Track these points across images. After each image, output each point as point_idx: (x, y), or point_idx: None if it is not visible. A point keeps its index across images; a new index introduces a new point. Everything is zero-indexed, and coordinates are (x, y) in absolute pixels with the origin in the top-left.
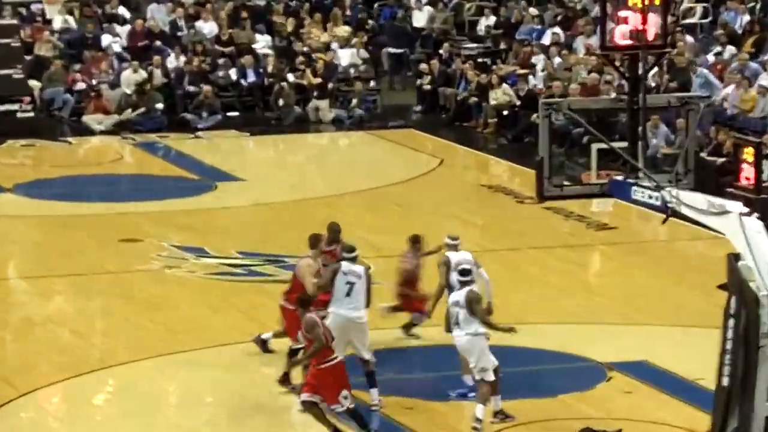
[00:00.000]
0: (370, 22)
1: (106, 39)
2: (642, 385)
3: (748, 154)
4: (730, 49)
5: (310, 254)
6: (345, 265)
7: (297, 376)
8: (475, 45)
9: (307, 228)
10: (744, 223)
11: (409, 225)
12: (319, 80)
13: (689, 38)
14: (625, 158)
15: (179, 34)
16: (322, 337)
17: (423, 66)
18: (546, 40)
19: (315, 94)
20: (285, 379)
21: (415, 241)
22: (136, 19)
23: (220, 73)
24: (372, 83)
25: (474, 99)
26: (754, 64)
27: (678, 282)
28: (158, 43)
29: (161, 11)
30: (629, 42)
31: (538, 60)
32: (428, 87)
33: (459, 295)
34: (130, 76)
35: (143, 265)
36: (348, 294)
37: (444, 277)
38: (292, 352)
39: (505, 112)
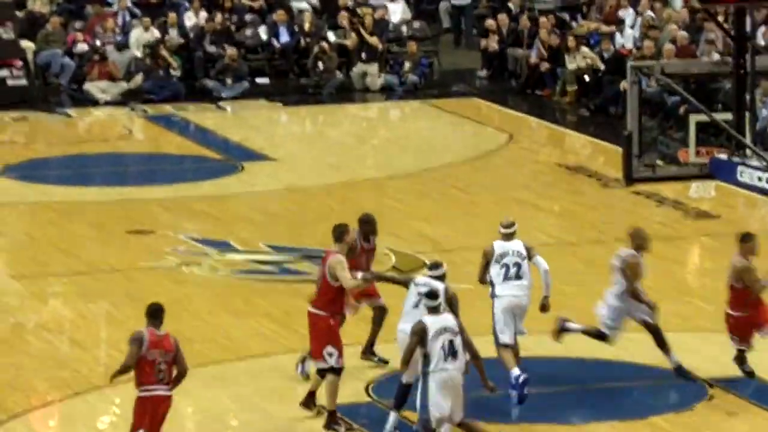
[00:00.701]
0: None
1: None
2: (750, 406)
3: None
4: None
5: (337, 249)
6: (421, 283)
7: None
8: None
9: (352, 217)
10: None
11: (472, 213)
12: (369, 40)
13: None
14: (730, 132)
15: None
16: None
17: (489, 23)
18: None
19: (361, 56)
20: (309, 401)
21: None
22: None
23: (248, 32)
24: (428, 44)
25: (548, 63)
26: None
27: None
28: None
29: None
30: None
31: (627, 15)
32: (495, 48)
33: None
34: (141, 36)
35: (155, 262)
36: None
37: (481, 270)
38: (321, 372)
39: (587, 78)
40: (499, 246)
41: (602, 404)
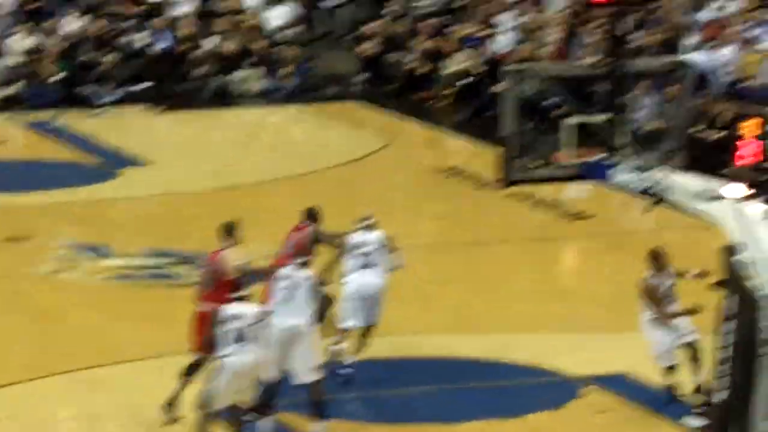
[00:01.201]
0: None
1: None
2: (619, 404)
3: (750, 127)
4: (734, 5)
5: (225, 245)
6: (285, 270)
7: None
8: (429, 1)
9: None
10: (743, 209)
11: (351, 215)
12: (249, 45)
13: None
14: (605, 134)
15: None
16: None
17: (367, 27)
18: None
19: (240, 61)
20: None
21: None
22: None
23: (127, 38)
24: (307, 48)
25: (426, 66)
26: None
27: None
28: (53, 2)
29: None
30: None
31: (504, 19)
32: (373, 52)
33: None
34: (21, 42)
35: (32, 268)
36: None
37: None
38: (191, 368)
39: (464, 81)
40: (354, 236)
41: (477, 403)
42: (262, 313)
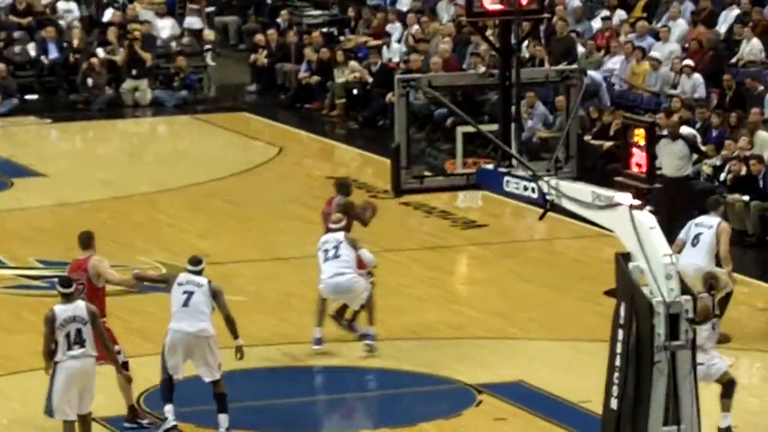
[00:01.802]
0: None
1: None
2: (517, 410)
3: (639, 136)
4: (620, 14)
5: (89, 254)
6: (182, 276)
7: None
8: (318, 12)
9: (122, 232)
10: (635, 217)
11: (242, 225)
12: (141, 55)
13: (573, 1)
14: (496, 143)
15: None
16: None
17: (258, 37)
18: (402, 5)
19: (131, 72)
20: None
21: None
22: None
23: (17, 49)
24: (197, 59)
25: (317, 76)
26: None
27: (559, 288)
28: None
29: None
30: (500, 6)
31: (394, 29)
32: (264, 62)
33: None
34: None
35: None
36: (185, 305)
37: None
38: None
39: (355, 92)
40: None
41: (371, 412)
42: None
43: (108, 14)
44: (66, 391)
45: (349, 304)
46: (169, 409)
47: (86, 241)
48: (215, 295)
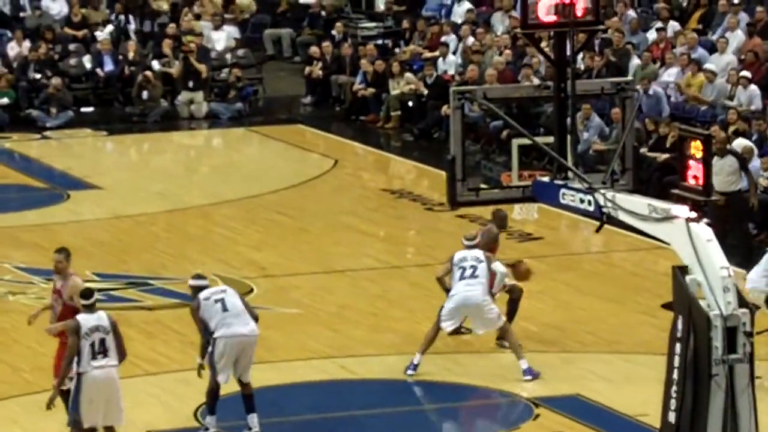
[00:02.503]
0: None
1: None
2: (574, 424)
3: (696, 149)
4: (673, 26)
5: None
6: (204, 293)
7: None
8: (373, 24)
9: (177, 244)
10: (692, 230)
11: (298, 237)
12: (197, 67)
13: (629, 12)
14: (552, 155)
15: (22, 15)
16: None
17: (313, 50)
18: (457, 17)
19: (186, 84)
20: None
21: None
22: None
23: (72, 61)
24: (253, 71)
25: (372, 89)
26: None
27: (615, 301)
28: None
29: None
30: (555, 18)
31: (449, 41)
32: (319, 75)
33: None
34: None
35: None
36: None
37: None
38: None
39: (410, 104)
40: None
41: (429, 425)
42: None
43: (163, 26)
44: (91, 401)
45: (474, 328)
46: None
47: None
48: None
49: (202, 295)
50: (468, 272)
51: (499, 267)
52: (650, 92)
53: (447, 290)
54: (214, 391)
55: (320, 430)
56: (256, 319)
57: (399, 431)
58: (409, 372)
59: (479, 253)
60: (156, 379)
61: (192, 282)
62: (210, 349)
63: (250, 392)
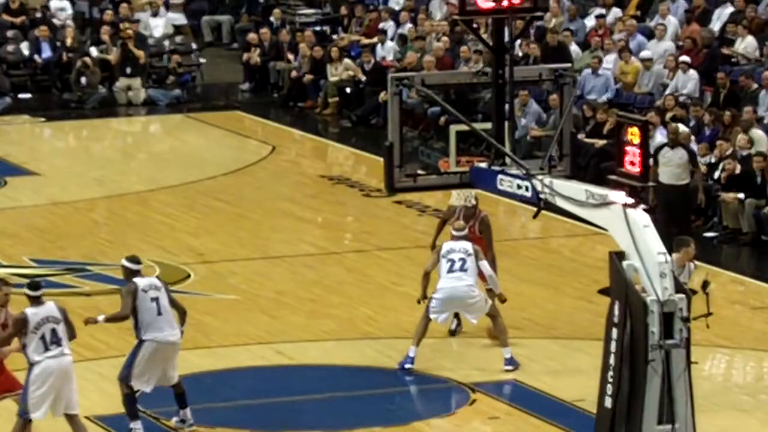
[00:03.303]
0: None
1: None
2: (511, 409)
3: (633, 135)
4: (615, 12)
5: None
6: (142, 282)
7: None
8: (311, 11)
9: (116, 230)
10: (629, 215)
11: (236, 225)
12: (136, 53)
13: None
14: (490, 141)
15: None
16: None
17: (251, 36)
18: (395, 3)
19: (124, 71)
20: None
21: None
22: None
23: (10, 48)
24: (190, 58)
25: (310, 75)
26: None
27: (553, 287)
28: None
29: None
30: (493, 4)
31: (387, 27)
32: (257, 61)
33: None
34: None
35: None
36: (160, 313)
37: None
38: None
39: (348, 90)
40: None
41: (365, 410)
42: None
43: (101, 12)
44: (44, 391)
45: (468, 318)
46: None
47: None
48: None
49: (141, 284)
50: (457, 265)
51: (485, 267)
52: (599, 72)
53: (424, 295)
54: (129, 396)
55: (258, 415)
56: (184, 313)
57: (336, 416)
58: (407, 366)
59: (468, 245)
60: (94, 364)
61: (127, 264)
62: (133, 350)
63: (182, 390)
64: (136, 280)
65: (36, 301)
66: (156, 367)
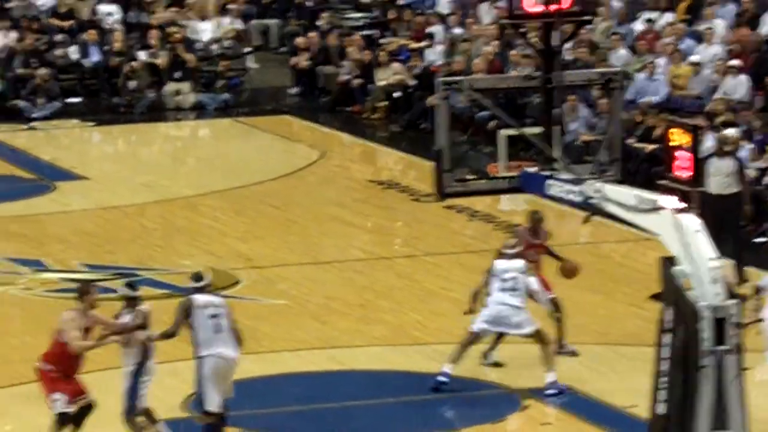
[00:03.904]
0: None
1: None
2: (563, 415)
3: (683, 139)
4: (667, 17)
5: (79, 307)
6: (200, 298)
7: None
8: (359, 15)
9: (165, 235)
10: (679, 221)
11: (285, 229)
12: (185, 57)
13: (615, 3)
14: (539, 146)
15: (8, 5)
16: None
17: (299, 40)
18: (443, 7)
19: (173, 75)
20: None
21: None
22: None
23: (58, 52)
24: (250, 63)
25: (358, 79)
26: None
27: (604, 292)
28: None
29: None
30: (541, 8)
31: (435, 31)
32: (305, 65)
33: None
34: None
35: None
36: (218, 330)
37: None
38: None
39: (396, 94)
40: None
41: (415, 416)
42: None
43: (149, 16)
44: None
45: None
46: None
47: (79, 292)
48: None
49: (198, 300)
50: (509, 284)
51: (532, 283)
52: (654, 78)
53: (471, 310)
54: (213, 427)
55: (308, 420)
56: (239, 338)
57: (386, 422)
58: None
59: (520, 264)
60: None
61: (191, 282)
62: (196, 370)
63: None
64: (194, 296)
65: (133, 302)
66: (219, 384)
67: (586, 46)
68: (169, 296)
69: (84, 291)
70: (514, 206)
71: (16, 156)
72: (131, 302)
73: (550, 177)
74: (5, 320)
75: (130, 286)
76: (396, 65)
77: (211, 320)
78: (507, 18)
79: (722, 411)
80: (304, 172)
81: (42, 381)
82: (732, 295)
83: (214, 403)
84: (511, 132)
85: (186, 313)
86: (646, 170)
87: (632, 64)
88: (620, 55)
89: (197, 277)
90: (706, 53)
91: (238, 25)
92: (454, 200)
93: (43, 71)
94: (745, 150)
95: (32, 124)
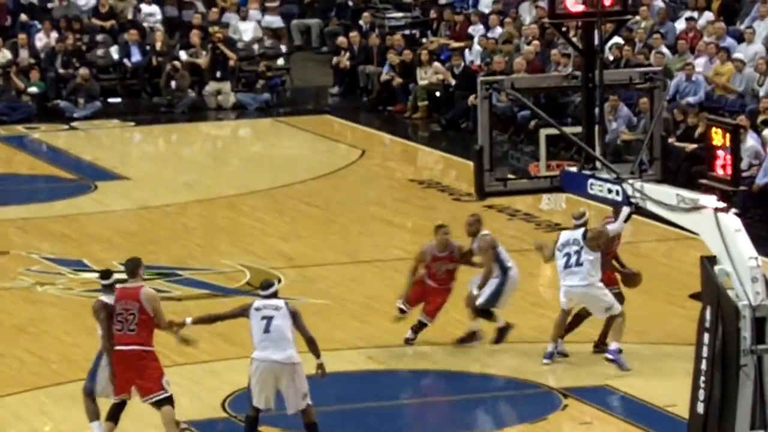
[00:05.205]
0: None
1: None
2: (603, 414)
3: (724, 138)
4: (707, 16)
5: (138, 283)
6: (258, 302)
7: None
8: (400, 14)
9: (206, 234)
10: (720, 220)
11: (326, 229)
12: (228, 55)
13: (656, 2)
14: (580, 145)
15: (49, 5)
16: None
17: (340, 40)
18: (484, 7)
19: (214, 75)
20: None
21: None
22: None
23: (99, 52)
24: (280, 61)
25: (399, 79)
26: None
27: (644, 291)
28: (24, 17)
29: None
30: (582, 8)
31: (476, 31)
32: (346, 65)
33: None
34: None
35: (9, 283)
36: (266, 331)
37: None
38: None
39: (438, 94)
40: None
41: (456, 415)
42: None
43: (190, 16)
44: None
45: (593, 312)
46: None
47: (133, 268)
48: (294, 317)
49: (256, 303)
50: (573, 259)
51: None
52: (693, 78)
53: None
54: (250, 419)
55: (349, 420)
56: (309, 341)
57: (427, 422)
58: (545, 361)
59: (579, 235)
60: (184, 369)
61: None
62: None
63: (309, 420)
64: (255, 300)
65: (109, 290)
66: (268, 386)
67: (627, 45)
68: (209, 296)
69: (137, 264)
70: (554, 205)
71: (57, 156)
72: (107, 290)
73: (591, 176)
74: (45, 320)
75: (104, 274)
76: (437, 65)
77: (262, 322)
78: (549, 17)
79: (761, 410)
80: (345, 172)
81: (155, 363)
82: None
83: (255, 400)
84: (552, 131)
85: (241, 313)
86: (687, 169)
87: (673, 63)
88: (661, 53)
89: (266, 284)
90: (746, 52)
91: (278, 23)
92: (495, 199)
93: (83, 71)
94: None
95: (73, 124)
